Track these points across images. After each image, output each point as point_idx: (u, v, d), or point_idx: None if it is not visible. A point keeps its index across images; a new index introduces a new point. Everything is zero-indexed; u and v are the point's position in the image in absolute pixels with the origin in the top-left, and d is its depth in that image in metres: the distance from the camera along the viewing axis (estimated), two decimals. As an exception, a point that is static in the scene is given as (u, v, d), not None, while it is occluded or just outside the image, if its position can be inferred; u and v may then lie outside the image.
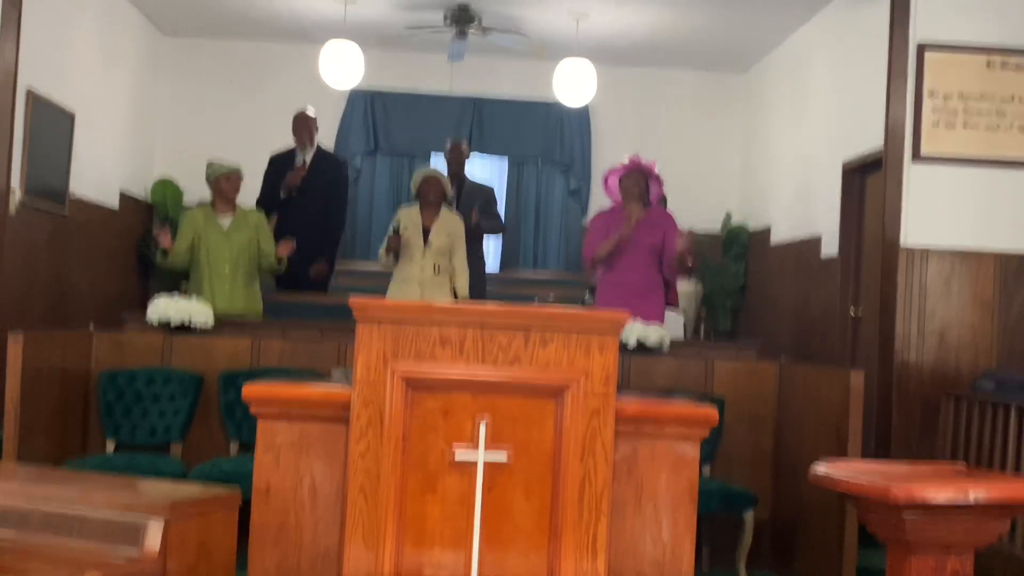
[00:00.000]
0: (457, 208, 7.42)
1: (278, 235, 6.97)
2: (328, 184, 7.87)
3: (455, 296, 6.79)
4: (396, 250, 6.66)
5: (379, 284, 8.10)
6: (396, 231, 6.63)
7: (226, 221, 6.64)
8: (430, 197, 6.78)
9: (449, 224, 6.81)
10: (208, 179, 6.69)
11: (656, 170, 6.49)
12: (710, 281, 9.64)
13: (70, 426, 5.34)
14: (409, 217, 6.79)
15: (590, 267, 6.77)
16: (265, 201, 7.69)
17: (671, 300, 7.38)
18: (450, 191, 7.01)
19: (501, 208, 10.19)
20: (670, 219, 6.60)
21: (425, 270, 6.67)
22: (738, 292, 9.71)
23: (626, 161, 6.50)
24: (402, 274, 6.71)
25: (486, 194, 8.02)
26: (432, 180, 6.80)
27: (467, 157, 8.16)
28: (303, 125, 7.87)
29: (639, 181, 6.45)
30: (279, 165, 7.87)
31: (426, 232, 6.72)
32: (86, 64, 8.07)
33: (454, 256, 6.79)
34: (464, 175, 7.99)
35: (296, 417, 3.05)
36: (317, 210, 7.77)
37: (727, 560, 5.40)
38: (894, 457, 6.01)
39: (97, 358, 5.51)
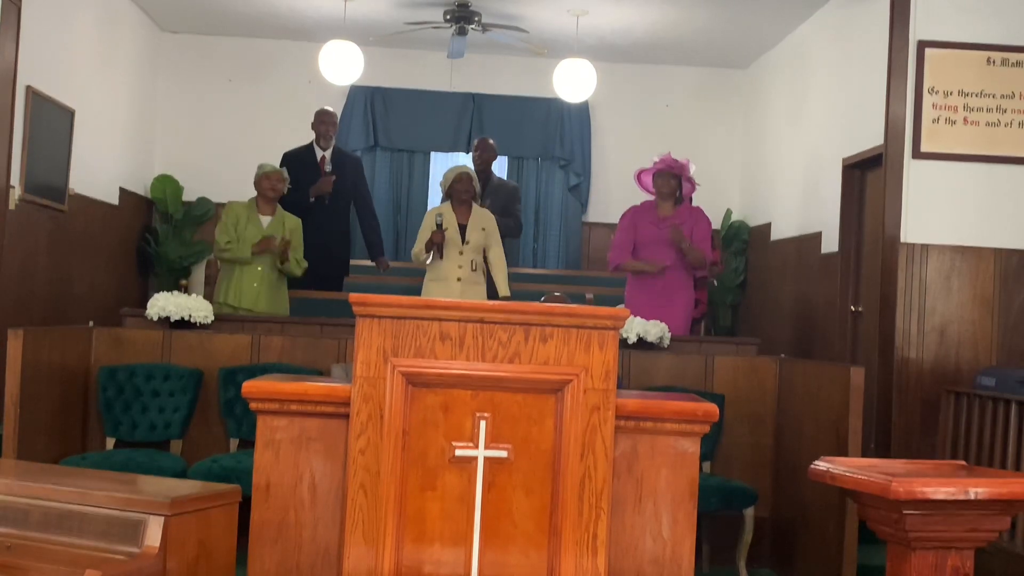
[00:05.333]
0: (484, 204, 7.40)
1: (305, 236, 6.98)
2: (352, 183, 7.92)
3: (490, 294, 6.79)
4: (440, 245, 6.63)
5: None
6: (439, 226, 6.61)
7: (266, 220, 6.75)
8: (463, 195, 6.77)
9: (483, 220, 6.80)
10: (255, 178, 6.82)
11: (690, 170, 6.51)
12: (710, 278, 9.64)
13: (70, 423, 5.34)
14: (445, 214, 6.76)
15: (612, 270, 6.80)
16: (284, 199, 7.63)
17: (699, 297, 7.33)
18: (479, 188, 7.03)
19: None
20: (699, 214, 6.62)
21: (463, 267, 6.66)
22: (738, 288, 9.71)
23: (656, 159, 6.53)
24: (439, 272, 6.68)
25: (510, 191, 8.01)
26: (465, 177, 6.80)
27: (495, 155, 8.17)
28: (325, 120, 7.86)
29: (669, 180, 6.48)
30: (295, 163, 7.77)
31: (462, 229, 6.71)
32: (86, 61, 8.06)
33: (490, 251, 6.79)
34: (491, 172, 8.00)
35: (296, 413, 3.04)
36: (342, 210, 7.81)
37: (727, 558, 5.40)
38: (894, 453, 6.01)
39: (97, 354, 5.51)
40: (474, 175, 6.95)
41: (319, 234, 7.47)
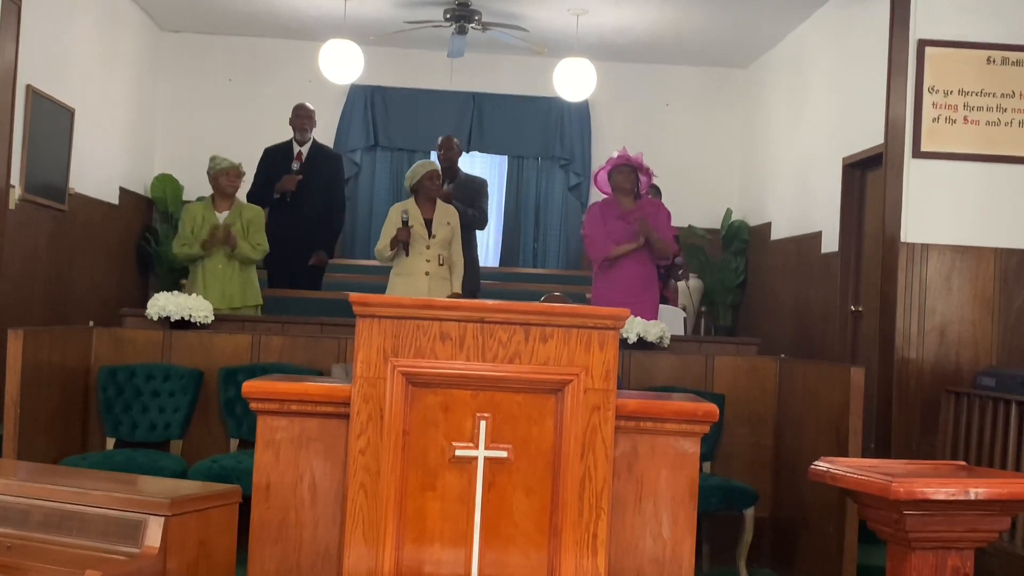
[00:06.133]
0: (451, 200, 7.41)
1: (274, 231, 6.95)
2: (325, 183, 7.83)
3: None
4: (407, 242, 6.63)
5: (379, 280, 8.11)
6: (406, 223, 6.61)
7: (221, 217, 6.67)
8: (432, 192, 6.77)
9: (448, 215, 6.81)
10: (209, 174, 6.74)
11: (643, 162, 6.51)
12: (710, 277, 9.64)
13: (70, 423, 5.34)
14: (410, 210, 6.77)
15: (605, 265, 6.76)
16: (257, 194, 7.60)
17: (668, 296, 7.38)
18: (444, 185, 7.04)
19: (501, 204, 10.22)
20: (656, 206, 6.65)
21: (431, 261, 6.66)
22: (738, 288, 9.71)
23: (615, 156, 6.54)
24: (406, 267, 6.67)
25: (477, 186, 8.00)
26: (435, 174, 6.81)
27: (460, 153, 8.15)
28: (300, 114, 7.83)
29: (628, 175, 6.48)
30: (274, 157, 7.81)
31: (428, 224, 6.71)
32: (86, 60, 8.06)
33: (451, 247, 6.79)
34: (458, 168, 7.99)
35: (296, 413, 3.04)
36: (314, 207, 7.72)
37: (727, 558, 5.40)
38: (894, 454, 6.00)
39: (97, 354, 5.50)
40: (440, 172, 6.95)
41: (285, 231, 7.41)
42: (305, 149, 7.80)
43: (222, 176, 6.67)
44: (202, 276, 6.59)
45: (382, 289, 6.80)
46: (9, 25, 6.49)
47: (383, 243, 6.71)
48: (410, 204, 6.75)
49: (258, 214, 6.81)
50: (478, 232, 7.95)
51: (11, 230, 6.68)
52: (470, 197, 7.66)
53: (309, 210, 7.67)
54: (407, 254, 6.64)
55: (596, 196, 10.17)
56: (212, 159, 6.76)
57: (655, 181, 6.86)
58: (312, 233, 7.74)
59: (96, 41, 8.27)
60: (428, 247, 6.66)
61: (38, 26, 6.95)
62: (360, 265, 9.50)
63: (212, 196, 6.77)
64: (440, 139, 8.12)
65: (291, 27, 9.48)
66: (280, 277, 7.67)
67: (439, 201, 6.82)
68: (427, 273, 6.63)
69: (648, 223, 6.40)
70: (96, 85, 8.27)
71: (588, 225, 6.67)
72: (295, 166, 7.73)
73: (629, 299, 6.19)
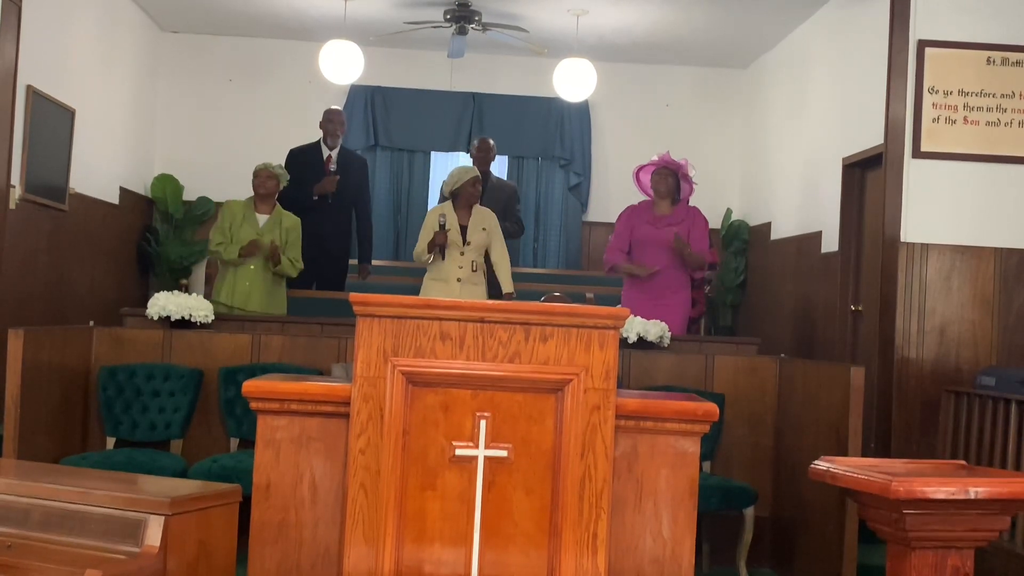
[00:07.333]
0: (482, 204, 7.39)
1: (306, 234, 6.97)
2: (356, 185, 7.91)
3: (490, 293, 6.79)
4: (443, 246, 6.61)
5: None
6: (443, 227, 6.59)
7: (262, 219, 6.75)
8: (472, 198, 6.75)
9: (485, 220, 6.77)
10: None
11: (688, 170, 6.51)
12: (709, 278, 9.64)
13: (70, 423, 5.34)
14: (447, 215, 6.73)
15: (608, 271, 6.84)
16: (287, 196, 7.60)
17: (697, 297, 7.35)
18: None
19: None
20: (697, 215, 6.63)
21: (464, 268, 6.65)
22: (738, 288, 9.71)
23: (655, 158, 6.54)
24: (441, 272, 6.65)
25: (509, 192, 8.01)
26: (478, 180, 6.77)
27: (494, 155, 8.16)
28: (333, 118, 7.85)
29: (667, 178, 6.49)
30: (301, 159, 7.77)
31: (463, 230, 6.70)
32: (86, 60, 8.06)
33: (493, 250, 6.76)
34: (490, 172, 7.99)
35: (296, 413, 3.05)
36: (345, 209, 7.81)
37: (727, 557, 5.40)
38: (894, 453, 6.01)
39: (97, 354, 5.51)
40: (480, 179, 6.94)
41: (320, 232, 7.46)
42: (335, 153, 7.82)
43: (254, 177, 6.81)
44: (231, 277, 6.66)
45: (389, 289, 6.81)
46: (9, 25, 6.49)
47: (420, 246, 6.71)
48: (447, 208, 6.74)
49: (296, 224, 6.85)
50: None
51: (11, 230, 6.68)
52: (503, 205, 7.65)
53: (339, 213, 7.74)
54: (443, 258, 6.64)
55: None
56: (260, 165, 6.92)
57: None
58: (338, 236, 7.80)
59: (96, 41, 8.27)
60: (462, 253, 6.64)
61: (38, 26, 6.95)
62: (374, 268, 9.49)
63: (252, 198, 6.86)
64: (476, 140, 8.15)
65: (291, 27, 9.48)
66: (307, 278, 7.63)
67: (475, 206, 6.80)
68: (459, 279, 6.62)
69: (683, 240, 6.38)
70: (96, 85, 8.27)
71: (616, 228, 6.70)
72: (332, 168, 7.75)
73: (658, 303, 6.23)
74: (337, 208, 7.74)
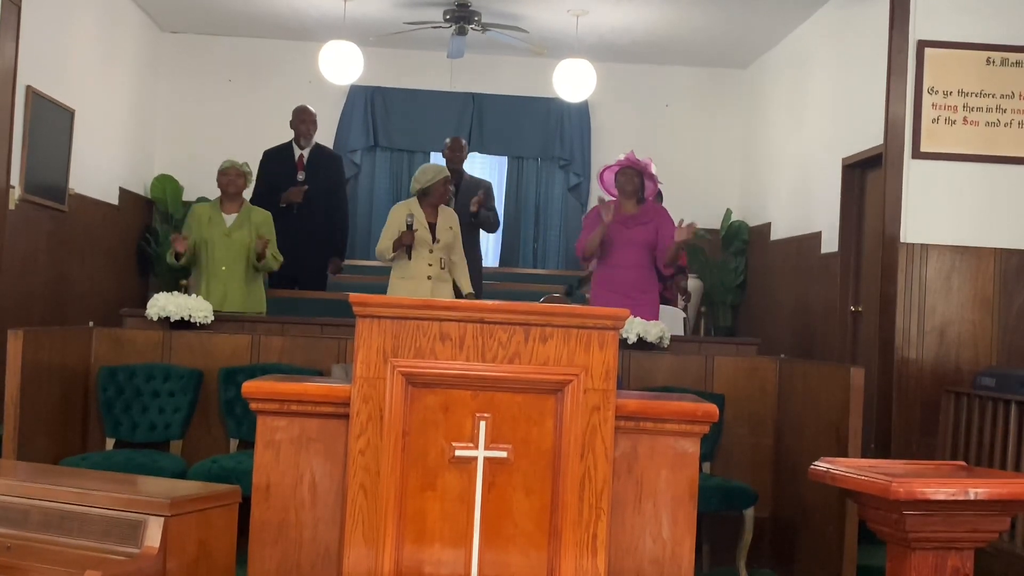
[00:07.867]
0: (456, 203, 7.41)
1: (281, 236, 6.93)
2: (329, 185, 7.84)
3: (456, 291, 6.78)
4: (411, 245, 6.60)
5: (379, 280, 8.10)
6: (410, 227, 6.57)
7: (230, 219, 6.64)
8: (442, 197, 6.74)
9: (451, 219, 6.79)
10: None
11: (652, 168, 6.48)
12: (710, 277, 9.64)
13: (70, 423, 5.34)
14: (413, 213, 6.72)
15: (583, 260, 6.85)
16: (261, 198, 7.51)
17: (670, 296, 7.38)
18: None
19: (500, 204, 10.21)
20: (664, 213, 6.60)
21: (433, 265, 6.64)
22: (738, 288, 9.71)
23: (621, 157, 6.51)
24: (408, 271, 6.63)
25: (484, 188, 8.01)
26: (448, 180, 6.76)
27: (467, 154, 8.16)
28: (304, 118, 7.82)
29: (632, 178, 6.46)
30: (274, 160, 7.80)
31: (432, 227, 6.69)
32: (86, 61, 8.06)
33: (454, 252, 6.78)
34: (463, 171, 7.99)
35: (296, 413, 3.04)
36: (319, 210, 7.74)
37: (727, 558, 5.40)
38: (894, 454, 6.00)
39: (97, 355, 5.50)
40: (450, 178, 6.94)
41: (291, 239, 7.36)
42: (306, 152, 7.79)
43: (220, 176, 6.64)
44: (204, 281, 6.57)
45: (382, 289, 6.79)
46: (9, 25, 6.49)
47: (384, 244, 6.67)
48: (413, 206, 6.69)
49: (267, 219, 6.75)
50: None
51: (11, 230, 6.68)
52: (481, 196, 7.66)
53: (313, 213, 7.69)
54: (409, 257, 6.62)
55: (596, 195, 10.21)
56: (223, 162, 6.75)
57: (660, 186, 6.82)
58: (315, 236, 7.74)
59: (96, 41, 8.27)
60: (431, 251, 6.63)
61: (38, 26, 6.95)
62: (360, 265, 9.49)
63: (220, 197, 6.74)
64: (448, 140, 8.10)
65: (291, 28, 9.48)
66: (283, 279, 7.66)
67: (442, 205, 6.79)
68: (429, 277, 6.61)
69: (681, 244, 6.29)
70: (96, 85, 8.27)
71: (584, 223, 6.68)
72: (300, 176, 7.70)
73: (628, 302, 6.18)
74: (307, 214, 7.64)
